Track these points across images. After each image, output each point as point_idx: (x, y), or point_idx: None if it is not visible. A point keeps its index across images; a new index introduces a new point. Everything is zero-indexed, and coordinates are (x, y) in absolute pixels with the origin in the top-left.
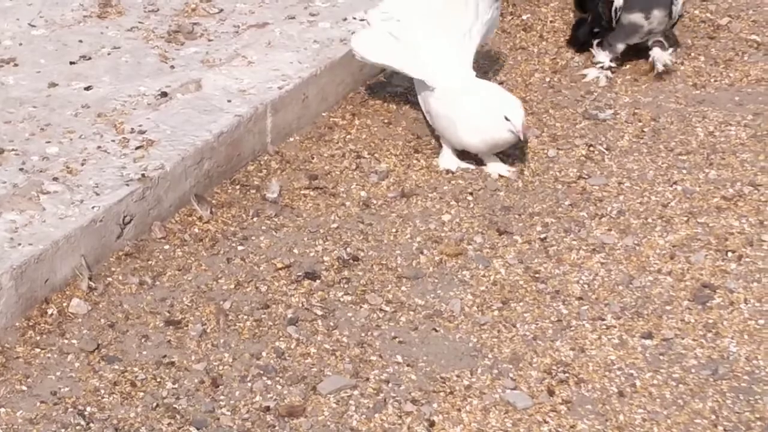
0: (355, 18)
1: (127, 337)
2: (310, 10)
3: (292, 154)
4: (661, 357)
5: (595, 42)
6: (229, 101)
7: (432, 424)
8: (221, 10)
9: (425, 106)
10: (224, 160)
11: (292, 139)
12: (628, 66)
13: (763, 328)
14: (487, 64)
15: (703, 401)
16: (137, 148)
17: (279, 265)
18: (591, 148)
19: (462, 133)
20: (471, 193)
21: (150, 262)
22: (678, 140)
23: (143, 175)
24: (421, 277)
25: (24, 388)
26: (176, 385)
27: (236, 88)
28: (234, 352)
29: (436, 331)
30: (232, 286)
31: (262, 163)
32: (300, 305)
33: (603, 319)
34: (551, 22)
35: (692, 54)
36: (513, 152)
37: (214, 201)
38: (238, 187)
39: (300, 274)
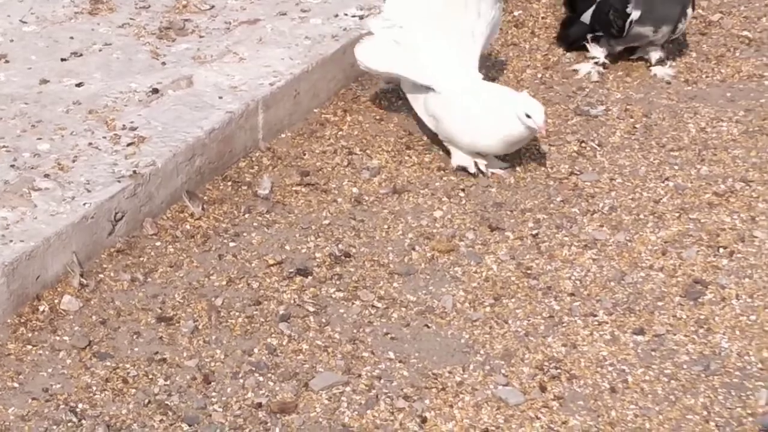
0: (346, 14)
1: (118, 333)
2: (301, 7)
3: (284, 150)
4: (653, 353)
5: (590, 37)
6: (220, 98)
7: (424, 420)
8: (212, 7)
9: (429, 111)
10: (216, 156)
11: (283, 136)
12: (619, 62)
13: (754, 324)
14: (479, 60)
15: (695, 397)
16: (128, 144)
17: (271, 262)
18: (583, 145)
19: (478, 136)
20: (463, 190)
21: (141, 259)
22: (670, 136)
23: (135, 171)
24: (413, 274)
25: (16, 385)
26: (168, 382)
27: (228, 84)
28: (226, 349)
29: (428, 327)
30: (224, 283)
31: (253, 159)
32: (292, 302)
33: (595, 315)
34: (543, 18)
35: (684, 50)
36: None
37: (205, 197)
38: (229, 183)
39: (292, 270)
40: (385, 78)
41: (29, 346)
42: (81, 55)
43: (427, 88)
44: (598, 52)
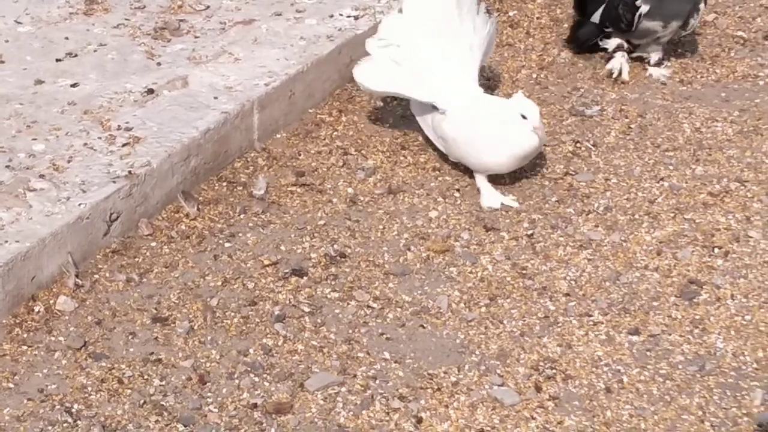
0: (341, 15)
1: (114, 334)
2: (296, 7)
3: (279, 150)
4: (648, 353)
5: (600, 37)
6: (215, 98)
7: (419, 420)
8: (207, 7)
9: (436, 132)
10: (211, 157)
11: (278, 136)
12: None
13: (749, 324)
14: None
15: (690, 397)
16: (124, 145)
17: (266, 262)
18: (578, 145)
19: (485, 155)
20: (458, 190)
21: (137, 259)
22: (665, 136)
23: (130, 172)
24: (408, 274)
25: (11, 385)
26: (163, 382)
27: (223, 84)
28: (221, 349)
29: (424, 327)
30: (219, 283)
31: (248, 159)
32: (287, 302)
33: (590, 315)
34: (538, 18)
35: (679, 50)
36: None
37: (201, 198)
38: (224, 183)
39: (287, 270)
40: (381, 96)
41: (24, 347)
42: (76, 55)
43: (433, 108)
44: (615, 42)
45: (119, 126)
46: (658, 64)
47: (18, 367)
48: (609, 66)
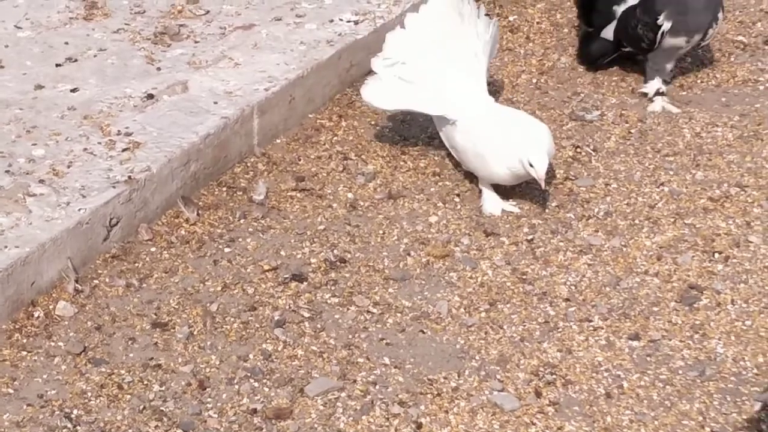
0: (341, 19)
1: (113, 339)
2: (296, 12)
3: (279, 155)
4: (648, 358)
5: (647, 77)
6: (215, 103)
7: (419, 425)
8: (207, 12)
9: (449, 142)
10: (211, 161)
11: (278, 141)
12: (614, 67)
13: (750, 329)
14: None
15: (691, 402)
16: (124, 150)
17: (266, 267)
18: (578, 150)
19: (492, 165)
20: (458, 195)
21: (137, 265)
22: (665, 141)
23: (130, 177)
24: (408, 279)
25: (11, 391)
26: (163, 388)
27: (223, 89)
28: (221, 355)
29: (424, 332)
30: (219, 288)
31: (248, 164)
32: (287, 307)
33: (590, 321)
34: (538, 23)
35: None
36: None
37: (200, 203)
38: (224, 188)
39: (287, 276)
40: (391, 114)
41: (24, 352)
42: (76, 60)
43: (445, 119)
44: (656, 83)
45: (119, 131)
46: (662, 94)
47: (17, 372)
48: (650, 109)
